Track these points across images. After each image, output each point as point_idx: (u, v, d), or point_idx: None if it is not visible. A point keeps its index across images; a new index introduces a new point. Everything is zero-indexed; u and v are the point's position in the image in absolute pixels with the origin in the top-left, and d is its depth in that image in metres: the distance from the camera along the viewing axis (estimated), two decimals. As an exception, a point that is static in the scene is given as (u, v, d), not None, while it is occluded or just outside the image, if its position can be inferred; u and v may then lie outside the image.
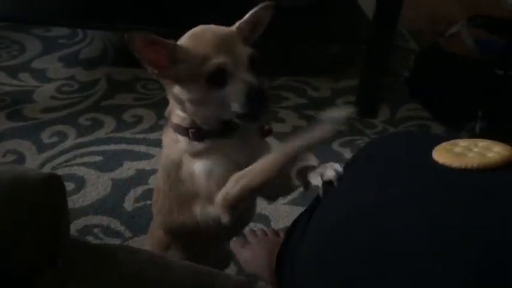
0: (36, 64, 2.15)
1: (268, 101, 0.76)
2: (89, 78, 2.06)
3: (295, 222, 0.82)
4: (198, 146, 0.81)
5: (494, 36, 1.90)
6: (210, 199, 0.81)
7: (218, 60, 0.74)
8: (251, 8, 0.82)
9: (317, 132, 0.71)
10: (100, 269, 0.66)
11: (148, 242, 1.06)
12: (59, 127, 1.75)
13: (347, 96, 2.03)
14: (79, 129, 1.74)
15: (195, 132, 0.80)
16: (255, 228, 1.29)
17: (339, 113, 0.72)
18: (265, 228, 1.30)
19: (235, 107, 0.75)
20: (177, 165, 0.83)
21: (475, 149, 0.61)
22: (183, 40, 0.79)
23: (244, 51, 0.77)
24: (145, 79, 2.02)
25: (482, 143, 0.62)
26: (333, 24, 2.07)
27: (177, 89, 0.78)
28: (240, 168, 0.78)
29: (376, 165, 0.69)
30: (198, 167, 0.81)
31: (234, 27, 0.81)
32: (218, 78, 0.75)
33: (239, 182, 0.77)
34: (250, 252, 1.19)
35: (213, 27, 0.80)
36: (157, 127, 1.77)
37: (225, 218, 0.79)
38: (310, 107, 1.96)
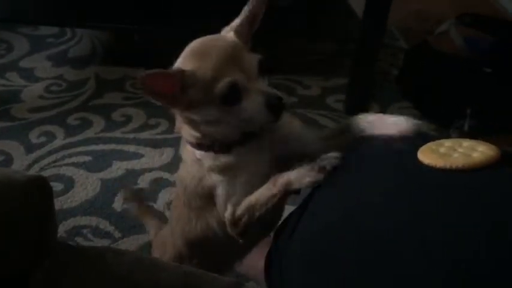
0: (24, 63, 2.13)
1: (285, 103, 0.73)
2: (78, 77, 2.04)
3: (285, 221, 0.82)
4: (226, 159, 0.77)
5: (482, 35, 1.91)
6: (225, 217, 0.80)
7: (228, 78, 0.69)
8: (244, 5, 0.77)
9: (313, 173, 0.70)
10: (91, 271, 0.67)
11: (155, 251, 1.04)
12: (47, 127, 1.74)
13: (337, 94, 2.03)
14: (68, 129, 1.73)
15: (220, 145, 0.76)
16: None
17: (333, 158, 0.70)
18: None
19: (257, 118, 0.72)
20: (199, 181, 0.81)
21: (460, 149, 0.61)
22: (185, 61, 0.73)
23: (252, 60, 0.72)
24: (134, 78, 2.00)
25: (467, 143, 0.62)
26: (322, 23, 2.07)
27: (190, 113, 0.74)
28: (279, 165, 0.77)
29: (363, 165, 0.69)
30: (222, 188, 0.78)
31: (230, 33, 0.75)
32: (232, 96, 0.70)
33: (246, 205, 0.76)
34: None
35: (212, 41, 0.75)
36: (147, 126, 1.76)
37: (237, 238, 0.79)
38: (301, 106, 1.96)
